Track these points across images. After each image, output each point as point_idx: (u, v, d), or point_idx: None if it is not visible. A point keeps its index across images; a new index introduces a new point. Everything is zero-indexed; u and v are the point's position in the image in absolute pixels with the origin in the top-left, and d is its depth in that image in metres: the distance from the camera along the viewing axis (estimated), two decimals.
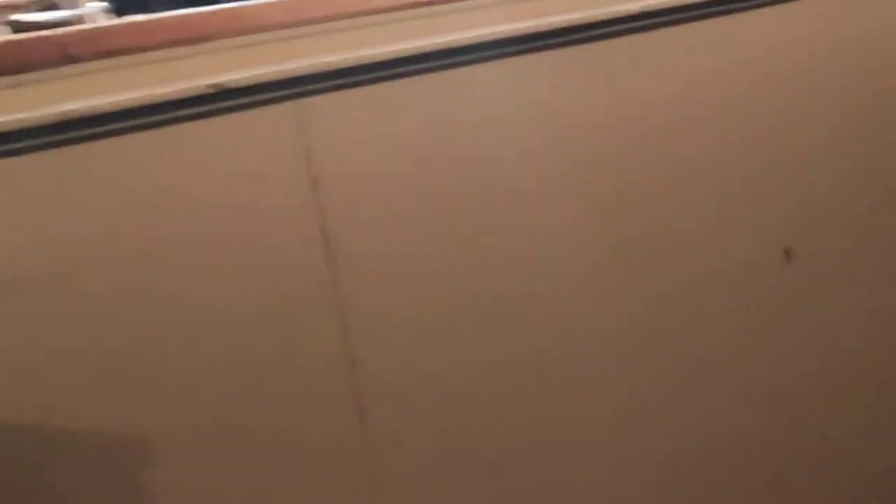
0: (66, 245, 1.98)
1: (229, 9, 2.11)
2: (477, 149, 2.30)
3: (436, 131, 2.28)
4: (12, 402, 1.97)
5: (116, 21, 2.03)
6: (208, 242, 2.09)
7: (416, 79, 2.25)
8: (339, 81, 2.18)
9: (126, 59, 2.02)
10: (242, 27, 2.11)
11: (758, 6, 2.61)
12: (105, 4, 2.85)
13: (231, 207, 2.10)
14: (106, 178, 2.01)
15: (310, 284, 2.17)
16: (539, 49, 2.35)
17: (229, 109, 2.10)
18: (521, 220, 2.38)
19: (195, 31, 2.07)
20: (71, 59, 1.97)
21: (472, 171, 2.30)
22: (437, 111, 2.27)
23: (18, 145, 1.91)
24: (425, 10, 2.27)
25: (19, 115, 1.92)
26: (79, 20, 2.28)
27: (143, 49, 2.02)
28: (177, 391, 2.07)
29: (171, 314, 2.06)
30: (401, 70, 2.24)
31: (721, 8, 2.56)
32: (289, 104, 2.15)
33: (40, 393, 1.98)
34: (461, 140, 2.29)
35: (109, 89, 2.00)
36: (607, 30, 2.41)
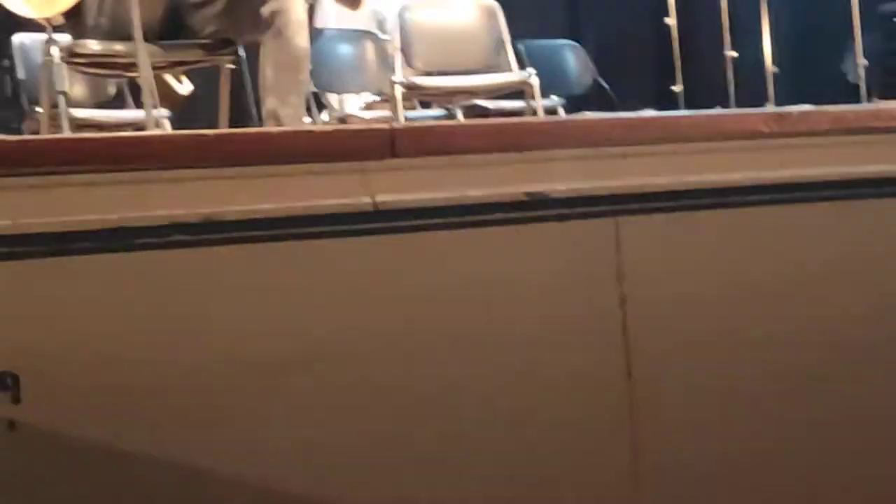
0: (360, 329, 2.01)
1: (556, 121, 2.12)
2: (797, 286, 2.18)
3: (757, 262, 2.18)
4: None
5: (446, 122, 2.09)
6: (506, 339, 2.07)
7: (742, 210, 2.17)
8: (661, 204, 2.14)
9: (445, 160, 2.06)
10: (563, 140, 2.11)
11: None
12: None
13: (535, 311, 2.09)
14: (408, 268, 2.03)
15: (606, 398, 2.11)
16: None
17: (544, 219, 2.09)
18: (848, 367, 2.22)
19: (517, 139, 2.09)
20: (395, 153, 2.03)
21: (790, 307, 2.18)
22: (762, 243, 2.18)
23: (320, 229, 1.96)
24: (764, 142, 2.21)
25: (331, 202, 1.99)
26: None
27: (465, 151, 2.06)
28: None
29: (464, 408, 2.04)
30: (727, 200, 2.17)
31: None
32: (606, 220, 2.12)
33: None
34: (779, 275, 2.18)
35: (427, 185, 2.05)
36: None
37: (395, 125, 2.02)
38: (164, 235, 1.89)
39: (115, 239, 1.88)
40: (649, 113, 2.14)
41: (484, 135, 2.08)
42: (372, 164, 2.02)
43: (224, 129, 2.19)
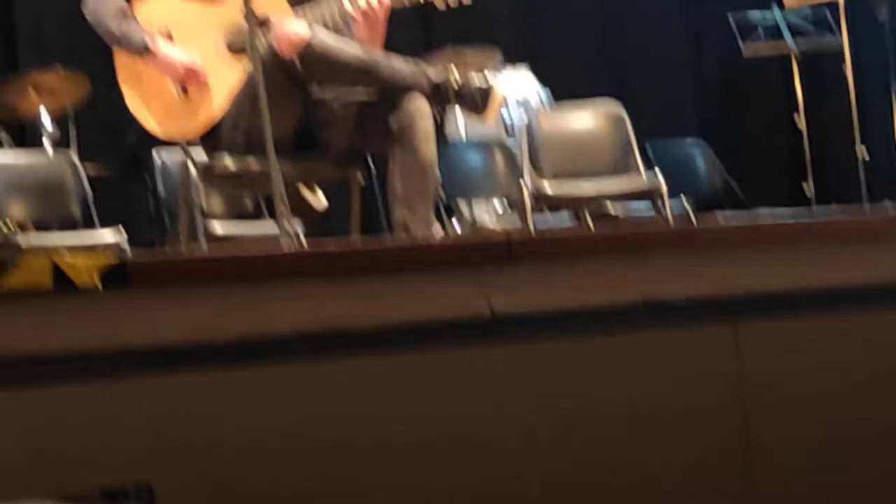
0: (480, 436, 2.03)
1: (672, 227, 2.14)
2: None
3: (882, 364, 2.16)
4: None
5: (560, 230, 2.13)
6: (626, 445, 2.08)
7: (864, 314, 2.16)
8: (781, 308, 2.14)
9: (561, 267, 2.09)
10: (684, 245, 2.13)
11: None
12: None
13: (655, 416, 2.09)
14: (526, 376, 2.06)
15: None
16: None
17: (663, 323, 2.11)
18: None
19: (634, 245, 2.12)
20: (513, 261, 2.08)
21: None
22: (886, 346, 2.16)
23: (439, 337, 2.01)
24: (888, 246, 2.20)
25: (449, 310, 2.03)
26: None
27: (580, 258, 2.10)
28: None
29: None
30: (849, 303, 2.16)
31: None
32: (726, 324, 2.13)
33: None
34: None
35: (543, 293, 2.08)
36: None
37: (513, 234, 2.06)
38: (290, 347, 1.95)
39: (241, 351, 1.94)
40: (766, 215, 2.14)
41: (599, 242, 2.12)
42: (489, 272, 2.06)
43: (345, 243, 2.25)
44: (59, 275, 1.82)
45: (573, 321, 2.08)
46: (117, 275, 1.85)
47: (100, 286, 1.83)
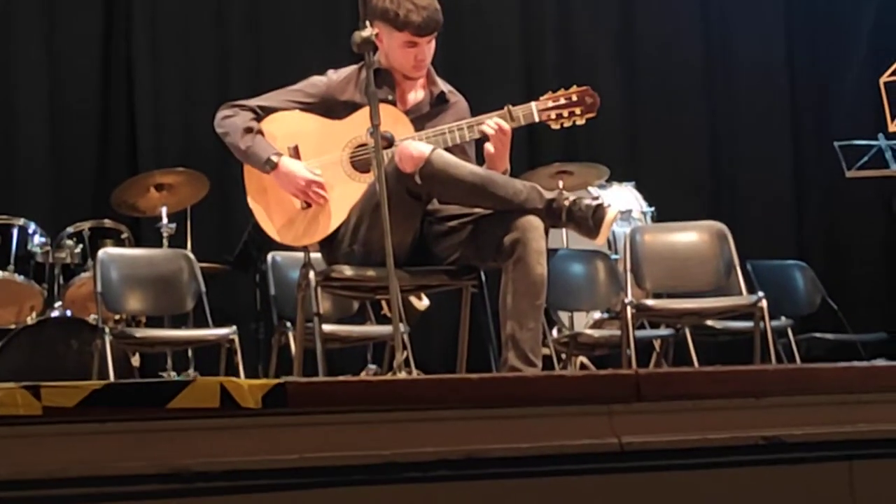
0: None
1: (792, 368, 2.25)
2: None
3: None
4: None
5: (687, 369, 2.24)
6: None
7: None
8: (894, 449, 2.23)
9: (686, 404, 2.21)
10: (802, 387, 2.24)
11: None
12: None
13: None
14: None
15: None
16: None
17: (780, 462, 2.21)
18: None
19: (754, 385, 2.23)
20: (640, 397, 2.20)
21: None
22: None
23: (570, 467, 2.12)
24: None
25: (580, 442, 2.15)
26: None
27: (704, 396, 2.21)
28: None
29: None
30: None
31: None
32: (841, 464, 2.22)
33: None
34: None
35: (669, 428, 2.20)
36: None
37: (640, 371, 2.18)
38: (429, 470, 2.08)
39: (387, 472, 2.08)
40: (881, 363, 2.25)
41: (722, 381, 2.23)
42: (618, 407, 2.18)
43: (485, 374, 2.38)
44: (226, 395, 1.97)
45: (695, 455, 2.19)
46: (277, 396, 2.00)
47: (261, 406, 1.98)
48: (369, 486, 2.07)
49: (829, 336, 6.60)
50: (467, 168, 4.05)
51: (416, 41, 4.12)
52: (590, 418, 2.17)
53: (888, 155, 6.18)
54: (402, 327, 5.12)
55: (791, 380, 2.24)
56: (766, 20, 8.00)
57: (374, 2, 4.11)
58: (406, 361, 4.68)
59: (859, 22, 7.95)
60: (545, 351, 4.71)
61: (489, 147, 4.06)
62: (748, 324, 5.64)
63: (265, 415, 2.00)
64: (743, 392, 2.23)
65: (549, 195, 4.05)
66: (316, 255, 4.35)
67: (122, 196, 6.34)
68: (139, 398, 1.96)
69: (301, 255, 4.40)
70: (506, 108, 4.08)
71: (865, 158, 6.24)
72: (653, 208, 6.69)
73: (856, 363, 2.27)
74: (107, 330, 5.51)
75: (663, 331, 6.06)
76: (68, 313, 6.02)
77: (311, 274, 4.26)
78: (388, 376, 4.20)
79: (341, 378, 3.73)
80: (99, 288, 5.66)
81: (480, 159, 4.17)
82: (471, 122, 4.10)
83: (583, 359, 6.34)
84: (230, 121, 4.24)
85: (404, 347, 4.03)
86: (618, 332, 5.79)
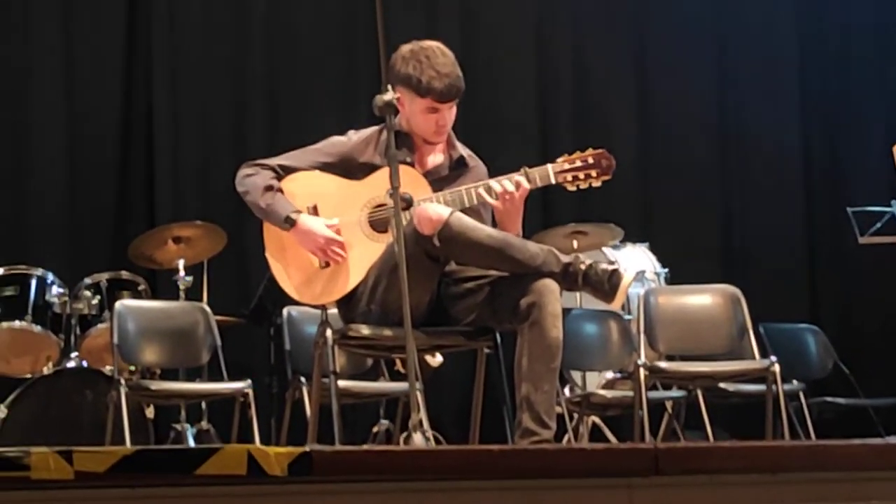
0: None
1: (808, 445, 2.28)
2: None
3: None
4: None
5: (705, 444, 2.27)
6: None
7: None
8: None
9: (704, 478, 2.24)
10: (818, 463, 2.27)
11: None
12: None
13: None
14: None
15: None
16: None
17: None
18: None
19: (772, 461, 2.26)
20: (659, 471, 2.23)
21: None
22: None
23: None
24: None
25: None
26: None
27: (723, 471, 2.24)
28: None
29: None
30: None
31: None
32: None
33: None
34: None
35: (687, 502, 2.23)
36: None
37: (659, 445, 2.22)
38: None
39: None
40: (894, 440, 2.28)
41: (740, 456, 2.26)
42: (637, 480, 2.22)
43: (505, 446, 2.42)
44: (253, 463, 2.01)
45: None
46: (303, 464, 2.04)
47: (287, 473, 2.02)
48: None
49: (840, 400, 6.62)
50: (485, 231, 4.09)
51: (438, 107, 4.17)
52: (609, 491, 2.21)
53: None
54: (417, 385, 5.16)
55: (806, 456, 2.28)
56: (780, 87, 8.07)
57: (397, 67, 4.17)
58: (420, 422, 4.69)
59: (872, 90, 8.02)
60: (557, 409, 4.72)
61: (497, 205, 4.08)
62: (761, 387, 5.66)
63: (291, 482, 2.04)
64: (760, 468, 2.26)
65: (565, 259, 4.08)
66: (333, 312, 4.38)
67: (140, 248, 6.39)
68: (168, 464, 2.00)
69: (317, 310, 4.43)
70: (522, 170, 4.12)
71: (879, 225, 6.28)
72: (666, 269, 6.72)
73: (869, 440, 2.29)
74: (122, 381, 5.54)
75: (676, 392, 6.07)
76: (84, 364, 6.05)
77: (329, 332, 4.29)
78: (404, 439, 4.22)
79: (365, 447, 3.77)
80: (115, 339, 5.69)
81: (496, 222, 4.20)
82: (488, 183, 4.14)
83: (595, 419, 6.35)
84: (251, 179, 4.28)
85: (419, 408, 4.05)
86: (630, 393, 5.80)
